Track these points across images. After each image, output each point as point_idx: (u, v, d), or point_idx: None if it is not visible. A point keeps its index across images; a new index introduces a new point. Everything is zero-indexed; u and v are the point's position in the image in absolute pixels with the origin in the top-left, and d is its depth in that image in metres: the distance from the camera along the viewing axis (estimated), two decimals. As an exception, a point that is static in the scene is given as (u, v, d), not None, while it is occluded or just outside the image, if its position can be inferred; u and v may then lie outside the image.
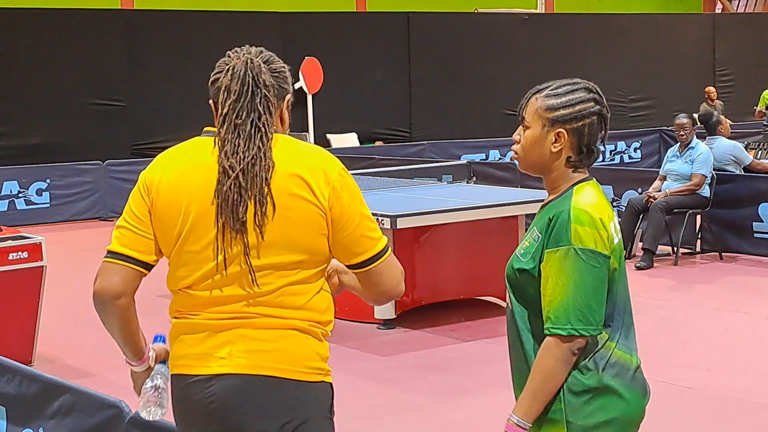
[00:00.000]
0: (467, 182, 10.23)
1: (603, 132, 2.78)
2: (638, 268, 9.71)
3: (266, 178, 2.59)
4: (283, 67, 2.77)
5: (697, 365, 6.79)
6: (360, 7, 22.02)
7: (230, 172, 2.60)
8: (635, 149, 17.96)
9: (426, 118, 19.12)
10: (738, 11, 27.92)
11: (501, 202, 8.14)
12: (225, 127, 2.65)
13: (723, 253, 10.32)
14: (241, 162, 2.59)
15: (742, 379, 6.43)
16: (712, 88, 19.23)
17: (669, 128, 16.85)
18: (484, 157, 16.52)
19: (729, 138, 11.32)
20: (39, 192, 14.26)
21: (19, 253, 6.67)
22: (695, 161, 10.05)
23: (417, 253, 7.86)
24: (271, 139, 2.64)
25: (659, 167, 11.22)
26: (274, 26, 17.90)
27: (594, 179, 2.79)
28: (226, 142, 2.64)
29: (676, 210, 10.03)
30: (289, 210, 2.60)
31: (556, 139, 2.73)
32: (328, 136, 18.02)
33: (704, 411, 5.94)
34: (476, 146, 16.95)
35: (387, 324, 7.75)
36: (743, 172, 10.96)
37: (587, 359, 2.68)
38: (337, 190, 2.62)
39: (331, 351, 2.73)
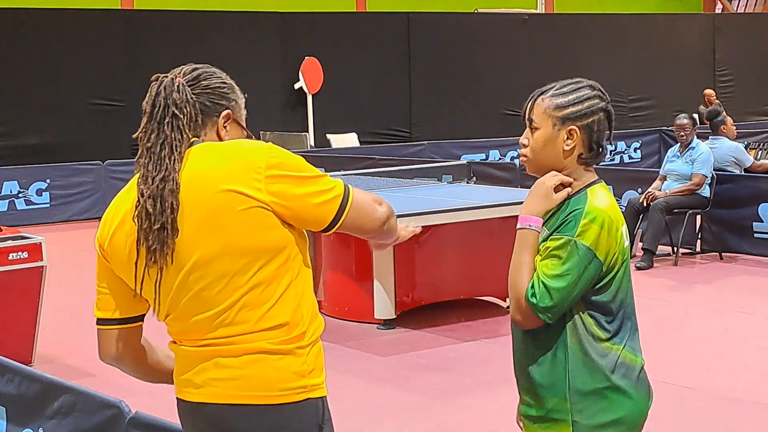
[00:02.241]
0: (467, 182, 10.23)
1: (609, 129, 2.82)
2: (638, 268, 9.71)
3: (173, 203, 2.51)
4: (222, 83, 2.70)
5: (697, 365, 6.79)
6: (360, 7, 22.02)
7: (140, 199, 2.53)
8: (635, 149, 17.96)
9: (426, 118, 19.12)
10: (738, 11, 27.92)
11: (501, 202, 8.13)
12: (140, 151, 2.60)
13: (723, 253, 10.32)
14: (150, 187, 2.53)
15: (742, 379, 6.43)
16: (710, 91, 19.20)
17: (669, 128, 16.84)
18: (484, 157, 16.51)
19: (732, 139, 11.32)
20: (39, 192, 14.27)
21: (19, 253, 6.67)
22: (695, 161, 10.05)
23: (417, 253, 7.86)
24: (180, 159, 2.56)
25: (659, 167, 11.22)
26: (274, 26, 17.91)
27: (603, 181, 2.82)
28: (141, 167, 2.58)
29: (676, 210, 10.03)
30: (226, 221, 2.52)
31: (568, 137, 2.75)
32: (328, 136, 18.03)
33: (704, 411, 5.94)
34: (476, 146, 16.95)
35: (387, 324, 7.75)
36: (743, 173, 10.96)
37: (596, 360, 2.69)
38: (272, 179, 2.53)
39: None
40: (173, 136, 2.57)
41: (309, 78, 17.85)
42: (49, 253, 6.85)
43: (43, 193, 14.30)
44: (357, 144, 18.01)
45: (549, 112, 2.75)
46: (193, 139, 2.62)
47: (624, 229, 2.75)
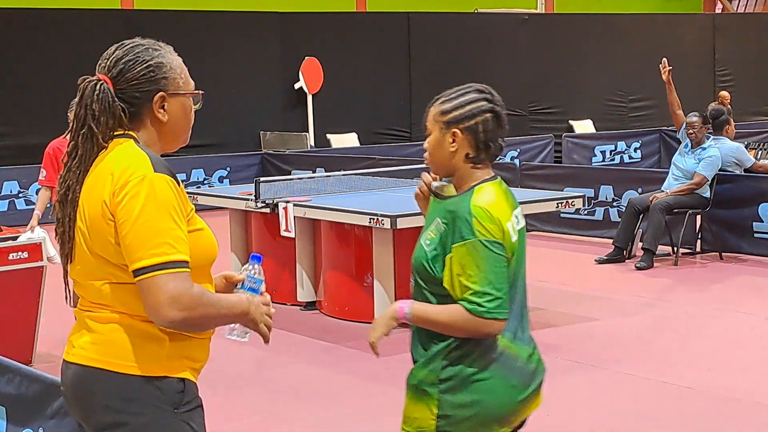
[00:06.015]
0: (467, 182, 10.25)
1: (501, 128, 3.00)
2: (638, 268, 9.70)
3: (71, 213, 2.67)
4: (146, 67, 2.71)
5: (697, 365, 6.79)
6: (360, 7, 22.02)
7: (54, 200, 2.78)
8: (635, 149, 17.94)
9: (426, 118, 19.10)
10: (738, 11, 27.92)
11: (501, 202, 8.12)
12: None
13: (723, 253, 10.32)
14: (59, 193, 2.72)
15: (742, 379, 6.43)
16: (725, 93, 19.16)
17: (669, 128, 16.84)
18: (484, 157, 16.50)
19: (732, 140, 11.32)
20: (39, 192, 14.24)
21: (19, 253, 6.68)
22: (702, 160, 10.02)
23: (417, 253, 7.85)
24: (87, 169, 2.67)
25: (659, 167, 11.21)
26: (274, 26, 17.91)
27: (499, 178, 3.03)
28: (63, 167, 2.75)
29: (676, 210, 10.03)
30: (97, 226, 2.63)
31: (453, 139, 2.96)
32: (328, 136, 18.02)
33: (704, 411, 5.94)
34: (476, 146, 16.93)
35: (387, 324, 7.73)
36: (744, 173, 10.95)
37: (468, 347, 2.91)
38: (123, 195, 2.56)
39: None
40: (85, 147, 2.68)
41: (309, 78, 17.85)
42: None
43: (43, 193, 14.27)
44: (357, 144, 18.00)
45: (436, 118, 3.02)
46: (124, 133, 2.68)
47: (510, 224, 2.92)
